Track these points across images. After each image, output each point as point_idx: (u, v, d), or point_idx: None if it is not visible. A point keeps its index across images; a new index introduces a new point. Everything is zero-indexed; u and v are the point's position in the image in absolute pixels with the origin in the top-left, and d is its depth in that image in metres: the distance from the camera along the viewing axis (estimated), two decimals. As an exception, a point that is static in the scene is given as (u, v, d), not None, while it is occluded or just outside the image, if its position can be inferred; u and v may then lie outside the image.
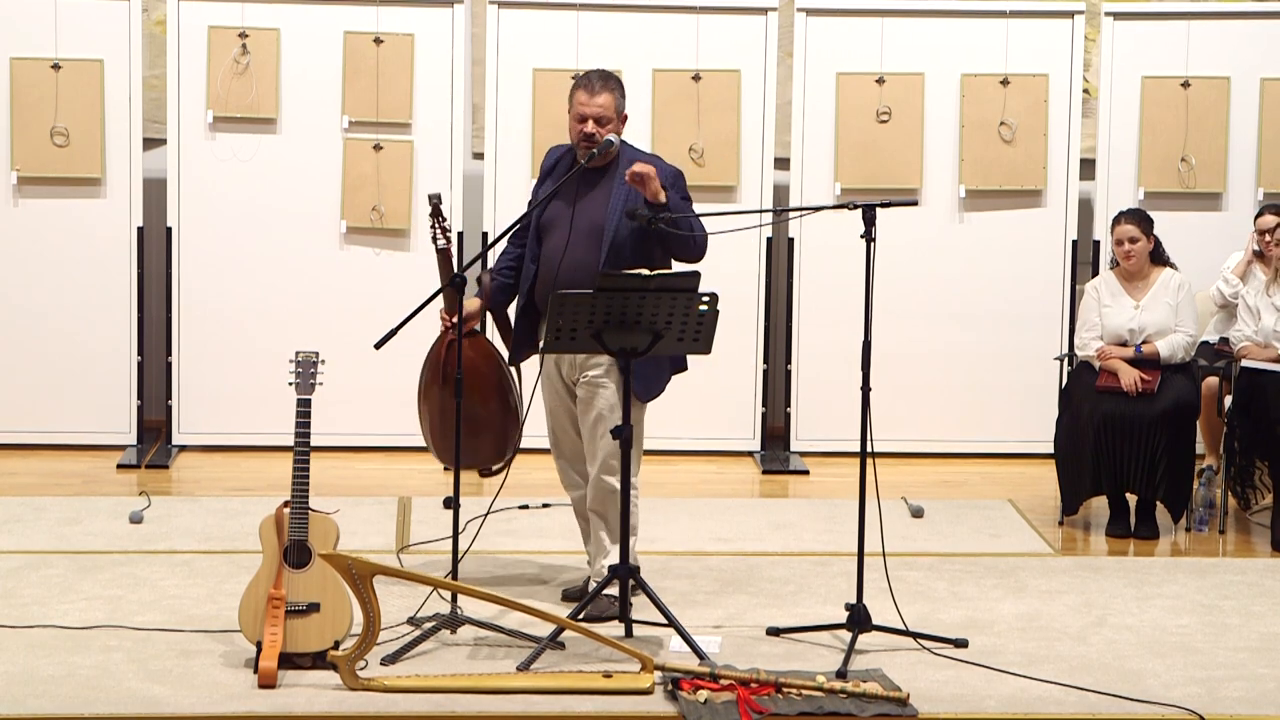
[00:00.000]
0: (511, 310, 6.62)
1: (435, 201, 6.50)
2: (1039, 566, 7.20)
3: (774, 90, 9.16)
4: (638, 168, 6.13)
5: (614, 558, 6.26)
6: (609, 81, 6.31)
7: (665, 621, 6.01)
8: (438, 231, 6.51)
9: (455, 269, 6.49)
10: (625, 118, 6.37)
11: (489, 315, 6.71)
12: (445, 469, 6.63)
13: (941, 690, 5.64)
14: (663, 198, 6.12)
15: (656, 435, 8.90)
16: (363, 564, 5.63)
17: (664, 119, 9.10)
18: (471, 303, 6.53)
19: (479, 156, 9.32)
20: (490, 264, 6.74)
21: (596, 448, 6.33)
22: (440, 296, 6.42)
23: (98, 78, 8.91)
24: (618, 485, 6.23)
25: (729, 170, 9.13)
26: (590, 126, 6.26)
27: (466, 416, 6.27)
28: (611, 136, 6.29)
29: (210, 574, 6.77)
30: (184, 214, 8.98)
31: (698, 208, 6.32)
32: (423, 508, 7.93)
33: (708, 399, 9.15)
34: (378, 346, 6.13)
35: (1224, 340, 8.20)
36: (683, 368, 6.54)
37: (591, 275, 6.06)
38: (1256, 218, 8.34)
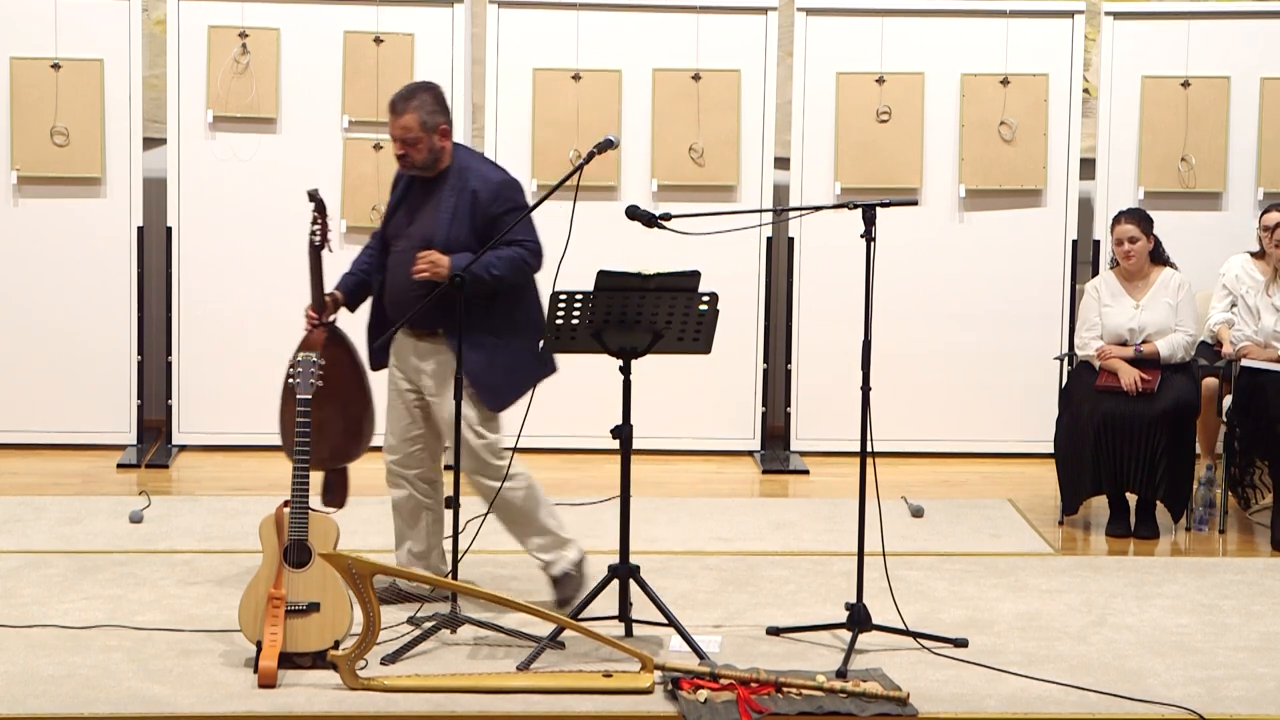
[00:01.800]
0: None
1: (318, 197, 6.32)
2: (1039, 566, 7.20)
3: (774, 90, 9.16)
4: (421, 267, 6.07)
5: (556, 555, 6.36)
6: (413, 100, 6.16)
7: (665, 621, 6.01)
8: (318, 229, 6.30)
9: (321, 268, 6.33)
10: (444, 129, 6.21)
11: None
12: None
13: (941, 690, 5.64)
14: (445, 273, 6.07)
15: (656, 435, 8.95)
16: (363, 564, 5.63)
17: (664, 119, 9.10)
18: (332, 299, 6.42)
19: (479, 156, 9.32)
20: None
21: (447, 455, 6.25)
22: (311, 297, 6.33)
23: (98, 77, 8.91)
24: (493, 485, 6.24)
25: (729, 170, 9.13)
26: (399, 148, 6.18)
27: (340, 418, 6.27)
28: (611, 136, 6.28)
29: (210, 574, 6.77)
30: (184, 214, 8.98)
31: (697, 207, 6.32)
32: (423, 507, 7.92)
33: (708, 399, 9.16)
34: (378, 346, 6.13)
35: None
36: (551, 370, 6.40)
37: (428, 290, 6.07)
38: (1263, 214, 8.32)
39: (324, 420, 6.19)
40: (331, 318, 6.37)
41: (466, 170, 6.26)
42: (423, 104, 6.17)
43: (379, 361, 6.43)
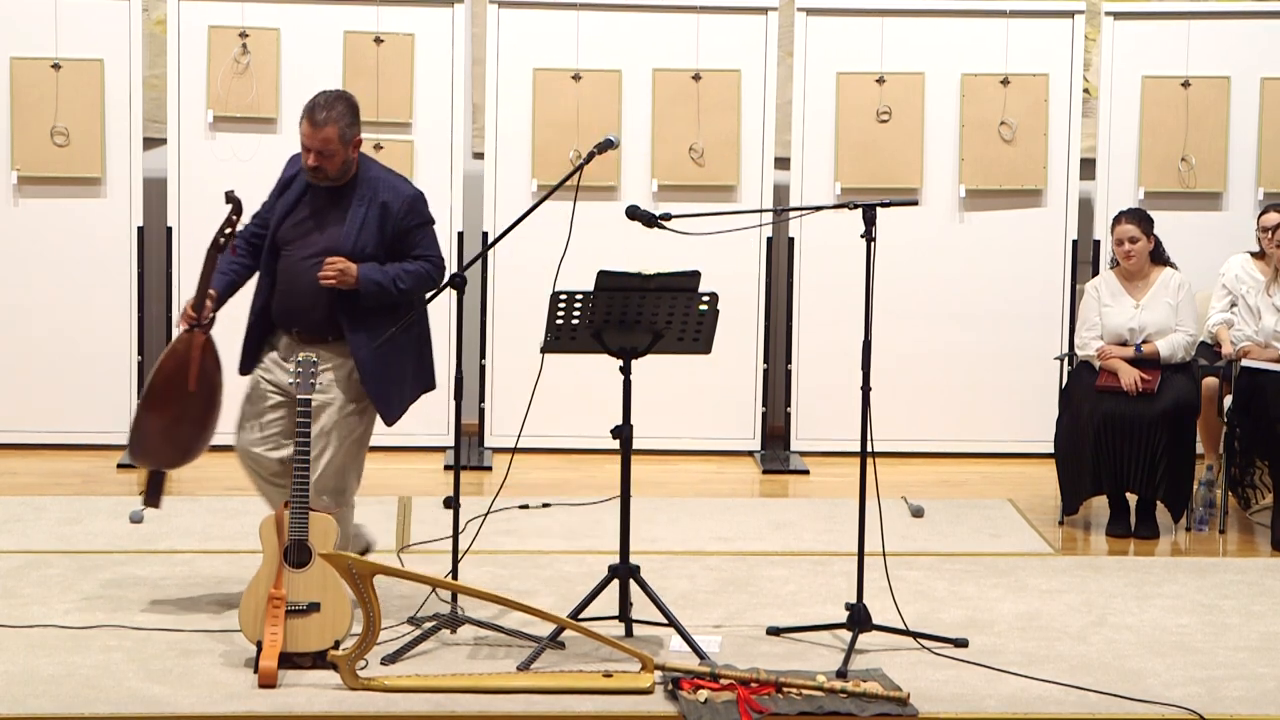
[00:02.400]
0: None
1: (235, 198, 6.13)
2: (1039, 566, 7.20)
3: (774, 90, 9.16)
4: (329, 273, 5.99)
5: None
6: (334, 110, 6.05)
7: (665, 621, 6.01)
8: (229, 231, 6.12)
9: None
10: (358, 140, 6.15)
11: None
12: (148, 473, 6.35)
13: (941, 690, 5.64)
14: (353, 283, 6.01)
15: (657, 435, 8.95)
16: (363, 564, 5.63)
17: (664, 119, 9.10)
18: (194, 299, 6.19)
19: (479, 156, 9.32)
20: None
21: (318, 464, 6.10)
22: (196, 291, 6.17)
23: (98, 77, 8.90)
24: (334, 508, 6.08)
25: (729, 170, 9.13)
26: (314, 160, 6.07)
27: (187, 417, 6.18)
28: (611, 136, 6.28)
29: (210, 574, 6.77)
30: (184, 214, 8.97)
31: (697, 207, 6.31)
32: (423, 508, 7.93)
33: (708, 399, 9.16)
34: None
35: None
36: (430, 387, 6.31)
37: (328, 297, 6.00)
38: (1261, 215, 8.32)
39: (179, 419, 6.13)
40: (210, 318, 6.18)
41: (377, 181, 6.15)
42: (341, 115, 6.06)
43: (249, 367, 6.26)
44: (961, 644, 6.07)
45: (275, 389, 6.20)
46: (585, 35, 9.07)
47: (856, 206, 6.03)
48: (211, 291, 6.16)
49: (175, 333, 6.29)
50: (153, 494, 6.39)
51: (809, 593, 6.73)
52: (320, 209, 6.15)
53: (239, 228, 6.15)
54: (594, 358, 6.15)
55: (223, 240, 6.13)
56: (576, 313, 5.95)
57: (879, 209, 6.02)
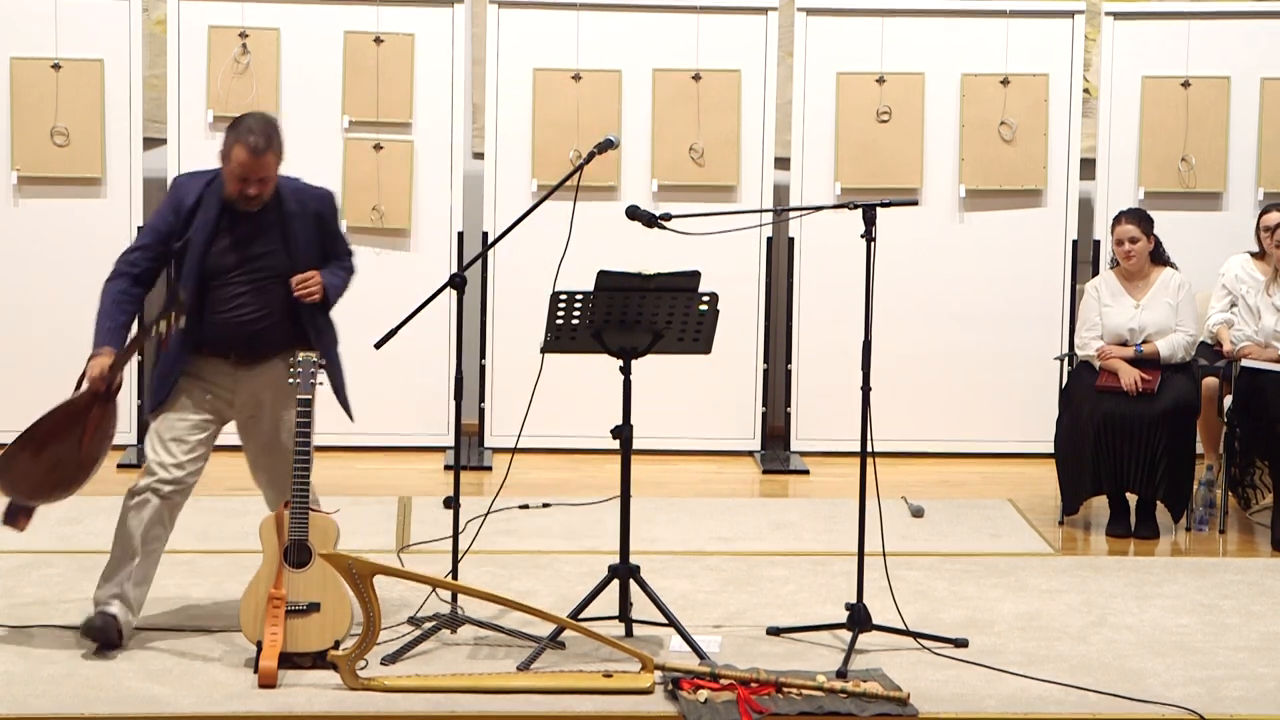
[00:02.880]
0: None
1: (181, 300, 5.88)
2: (1039, 566, 7.20)
3: (774, 90, 9.16)
4: (313, 289, 5.93)
5: None
6: (272, 138, 5.89)
7: (665, 621, 6.01)
8: (165, 327, 5.87)
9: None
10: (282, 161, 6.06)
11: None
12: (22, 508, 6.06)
13: (941, 690, 5.64)
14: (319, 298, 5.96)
15: (657, 435, 8.95)
16: (363, 564, 5.63)
17: (664, 119, 9.11)
18: (106, 359, 5.88)
19: (479, 156, 9.33)
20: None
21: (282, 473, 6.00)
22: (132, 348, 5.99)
23: (98, 77, 8.91)
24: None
25: (729, 170, 9.13)
26: (254, 189, 5.89)
27: (58, 470, 5.94)
28: (611, 136, 6.29)
29: (210, 574, 6.77)
30: (184, 214, 8.97)
31: (697, 207, 6.31)
32: (423, 508, 7.93)
33: (708, 399, 9.16)
34: (378, 346, 6.13)
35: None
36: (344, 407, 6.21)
37: (285, 319, 5.94)
38: (1262, 214, 8.31)
39: (51, 468, 5.92)
40: (119, 384, 5.93)
41: (299, 192, 6.04)
42: (277, 141, 5.94)
43: (166, 403, 5.98)
44: (961, 644, 6.07)
45: (203, 415, 6.01)
46: (585, 35, 9.07)
47: (856, 206, 6.03)
48: (121, 356, 5.92)
49: (79, 380, 5.96)
50: (10, 517, 6.10)
51: (809, 593, 6.73)
52: (249, 232, 5.93)
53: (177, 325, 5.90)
54: (594, 358, 6.15)
55: (159, 332, 5.88)
56: (576, 313, 5.95)
57: (879, 209, 6.02)
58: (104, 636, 5.82)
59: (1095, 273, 8.74)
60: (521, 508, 7.89)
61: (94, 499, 7.96)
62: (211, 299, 5.94)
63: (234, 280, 5.94)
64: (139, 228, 5.89)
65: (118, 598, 5.91)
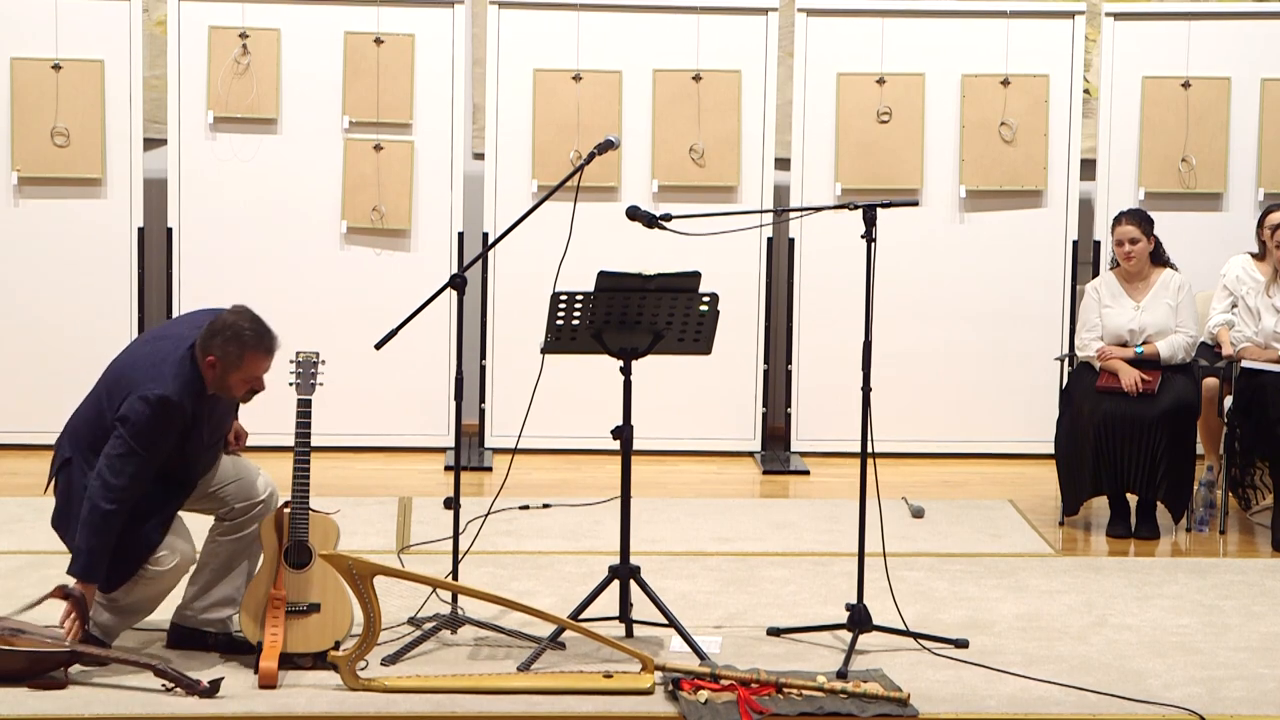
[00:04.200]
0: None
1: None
2: (1039, 566, 7.20)
3: (774, 90, 9.16)
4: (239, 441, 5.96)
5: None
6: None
7: (665, 621, 6.01)
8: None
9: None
10: None
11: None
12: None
13: (942, 690, 5.64)
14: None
15: (657, 436, 8.95)
16: (363, 564, 5.63)
17: (664, 119, 9.10)
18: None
19: (479, 156, 9.33)
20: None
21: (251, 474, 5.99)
22: None
23: (98, 78, 8.91)
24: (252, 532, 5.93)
25: (729, 170, 9.13)
26: (259, 387, 5.76)
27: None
28: (612, 136, 6.30)
29: (210, 574, 6.76)
30: (184, 214, 8.98)
31: (698, 208, 6.30)
32: (423, 508, 7.93)
33: (708, 399, 9.16)
34: (378, 347, 6.13)
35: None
36: None
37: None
38: (1264, 214, 8.30)
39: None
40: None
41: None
42: None
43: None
44: (962, 644, 6.07)
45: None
46: (585, 35, 9.07)
47: (857, 207, 6.03)
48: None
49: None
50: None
51: (809, 593, 6.73)
52: (210, 411, 5.81)
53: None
54: (594, 358, 6.15)
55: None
56: (577, 313, 5.95)
57: (879, 209, 6.02)
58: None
59: (1095, 273, 8.74)
60: (522, 508, 7.89)
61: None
62: (193, 479, 5.89)
63: (209, 450, 5.89)
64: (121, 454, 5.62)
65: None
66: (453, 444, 7.98)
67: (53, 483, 5.89)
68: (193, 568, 5.92)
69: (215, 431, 5.92)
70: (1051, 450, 8.05)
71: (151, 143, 9.10)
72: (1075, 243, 9.24)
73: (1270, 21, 9.27)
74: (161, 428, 5.64)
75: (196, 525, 5.94)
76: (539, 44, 9.08)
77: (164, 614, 6.01)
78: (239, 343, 5.67)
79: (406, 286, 8.63)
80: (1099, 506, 7.96)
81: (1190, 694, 5.66)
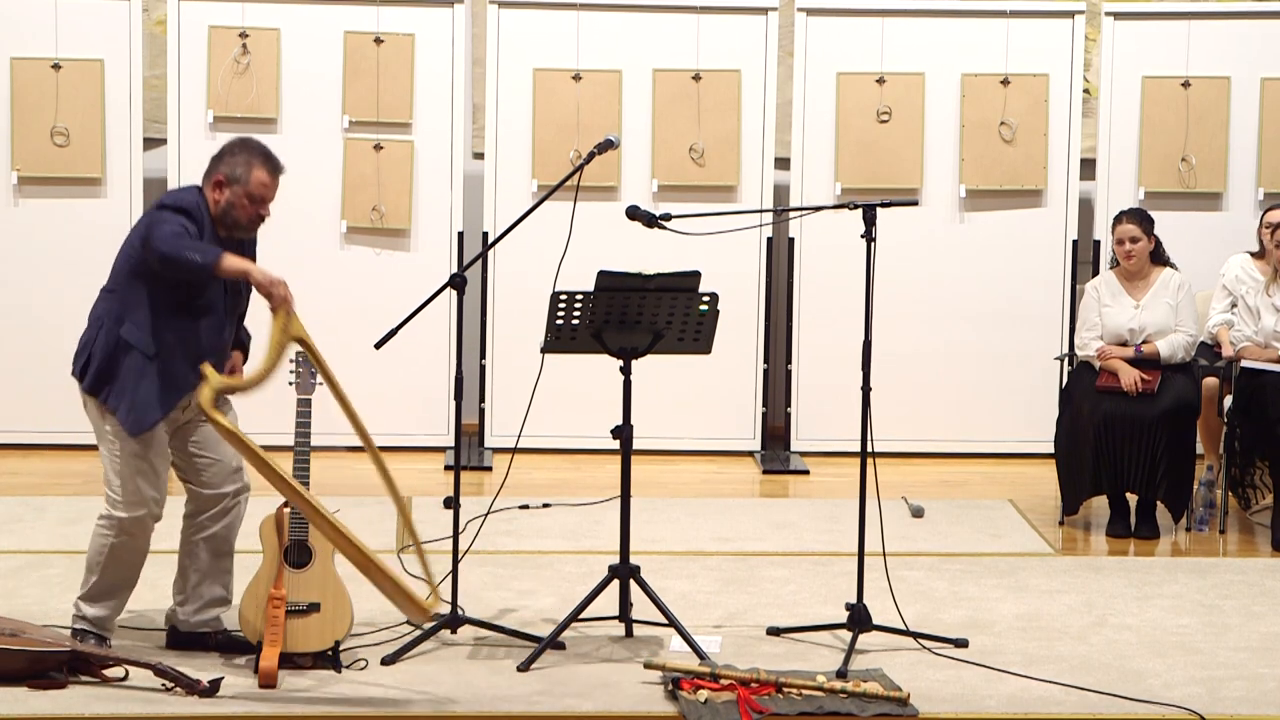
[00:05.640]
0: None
1: None
2: (1039, 566, 7.20)
3: (774, 90, 9.16)
4: (277, 302, 5.70)
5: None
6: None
7: (665, 621, 6.01)
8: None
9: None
10: None
11: None
12: None
13: (942, 690, 5.64)
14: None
15: (657, 435, 8.95)
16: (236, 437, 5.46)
17: (664, 119, 9.11)
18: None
19: (479, 156, 9.33)
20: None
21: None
22: None
23: (98, 78, 8.91)
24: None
25: (729, 170, 9.13)
26: (266, 211, 5.90)
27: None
28: (612, 136, 6.29)
29: (210, 574, 6.76)
30: (184, 214, 8.97)
31: (698, 207, 6.30)
32: (423, 508, 7.92)
33: (708, 399, 9.16)
34: (378, 346, 6.13)
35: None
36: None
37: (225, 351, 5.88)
38: (1265, 213, 8.30)
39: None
40: None
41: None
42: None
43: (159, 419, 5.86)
44: (961, 644, 6.07)
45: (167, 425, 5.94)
46: (585, 35, 9.07)
47: (856, 207, 6.03)
48: None
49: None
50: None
51: (809, 593, 6.73)
52: (234, 250, 5.81)
53: None
54: (594, 358, 6.15)
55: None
56: (576, 313, 5.95)
57: (879, 209, 6.02)
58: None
59: (1095, 273, 8.74)
60: (522, 508, 7.89)
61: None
62: (226, 310, 5.91)
63: (213, 307, 5.88)
64: (162, 213, 5.60)
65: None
66: (452, 443, 7.98)
67: (84, 361, 6.05)
68: (175, 572, 5.92)
69: (232, 295, 5.84)
70: (1051, 450, 8.05)
71: (151, 142, 9.11)
72: (1075, 242, 9.24)
73: (1270, 21, 9.28)
74: (182, 217, 5.67)
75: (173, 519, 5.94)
76: (539, 44, 9.08)
77: (164, 614, 6.02)
78: (247, 150, 5.81)
79: (406, 286, 8.62)
80: (1099, 506, 7.96)
81: (1190, 694, 5.66)
